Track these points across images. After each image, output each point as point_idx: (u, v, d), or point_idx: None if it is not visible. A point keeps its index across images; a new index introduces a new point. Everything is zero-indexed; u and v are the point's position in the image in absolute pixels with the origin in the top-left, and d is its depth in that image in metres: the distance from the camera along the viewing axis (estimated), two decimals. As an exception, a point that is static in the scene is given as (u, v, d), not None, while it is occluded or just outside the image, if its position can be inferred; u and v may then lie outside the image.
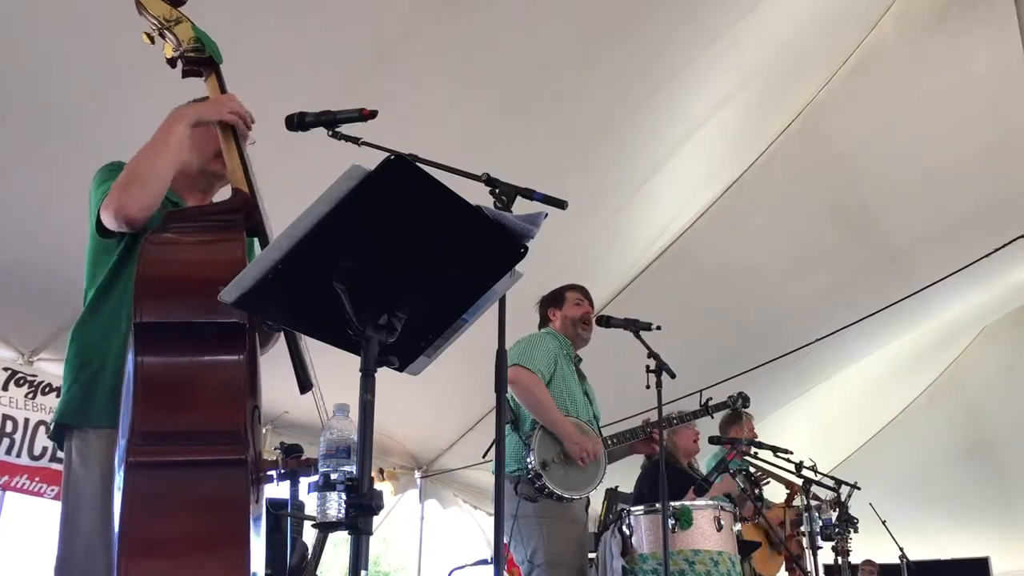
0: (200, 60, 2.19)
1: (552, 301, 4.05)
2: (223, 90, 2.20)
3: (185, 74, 2.22)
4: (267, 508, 1.88)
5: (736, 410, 4.63)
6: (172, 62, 2.20)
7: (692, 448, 5.01)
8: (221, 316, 1.73)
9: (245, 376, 1.76)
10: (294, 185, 3.03)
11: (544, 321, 4.04)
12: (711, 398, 4.43)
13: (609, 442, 3.77)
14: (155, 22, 2.17)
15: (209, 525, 1.62)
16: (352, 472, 1.46)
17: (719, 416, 5.39)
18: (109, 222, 1.95)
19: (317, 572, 1.77)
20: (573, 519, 3.59)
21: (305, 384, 1.99)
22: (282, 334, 2.05)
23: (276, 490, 1.90)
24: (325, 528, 1.45)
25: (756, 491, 5.01)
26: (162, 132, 2.05)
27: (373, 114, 2.05)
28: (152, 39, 2.20)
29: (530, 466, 3.47)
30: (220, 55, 2.22)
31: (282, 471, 1.85)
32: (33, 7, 3.30)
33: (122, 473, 1.63)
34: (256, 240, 2.11)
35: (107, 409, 1.90)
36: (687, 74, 5.09)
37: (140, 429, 1.65)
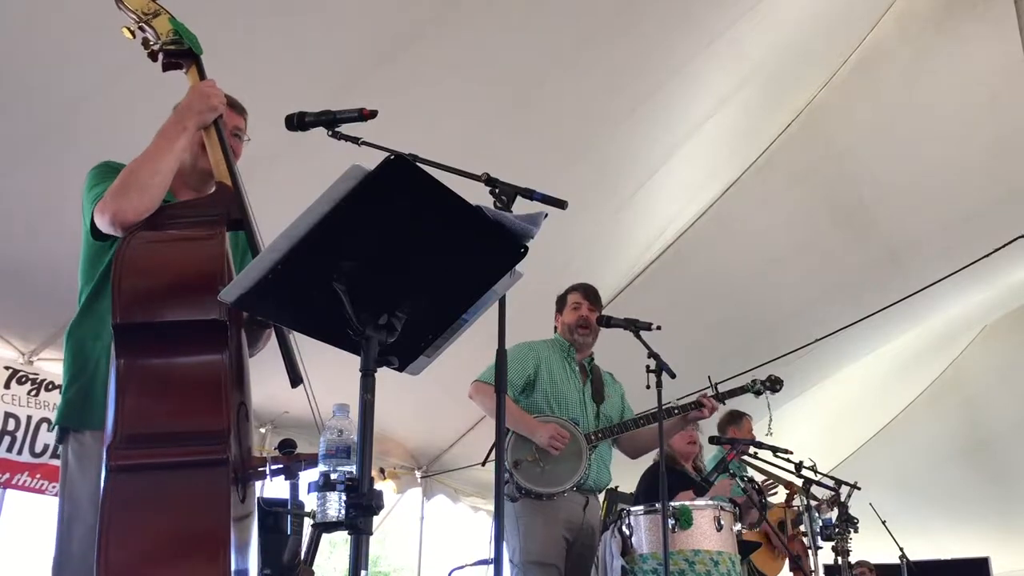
0: (180, 52, 2.16)
1: (557, 306, 4.06)
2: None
3: (166, 67, 2.19)
4: (263, 506, 1.86)
5: (758, 393, 4.10)
6: (153, 56, 2.18)
7: (687, 450, 4.86)
8: (200, 314, 1.72)
9: (227, 374, 1.75)
10: (294, 185, 3.03)
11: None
12: (716, 385, 3.98)
13: (592, 437, 3.75)
14: (134, 16, 2.14)
15: (189, 525, 1.61)
16: (352, 472, 1.46)
17: (722, 413, 5.34)
18: (104, 226, 1.93)
19: (316, 571, 1.76)
20: (555, 517, 3.59)
21: (295, 379, 1.98)
22: (273, 331, 2.05)
23: (276, 489, 1.89)
24: (325, 528, 1.45)
25: (762, 500, 4.97)
26: (166, 138, 2.03)
27: (373, 114, 2.05)
28: (133, 33, 2.17)
29: (506, 467, 3.53)
30: (199, 46, 2.18)
31: (273, 468, 1.83)
32: (33, 7, 3.29)
33: (104, 475, 1.62)
34: (243, 234, 2.08)
35: (103, 411, 1.88)
36: (687, 74, 5.09)
37: (122, 431, 1.64)
